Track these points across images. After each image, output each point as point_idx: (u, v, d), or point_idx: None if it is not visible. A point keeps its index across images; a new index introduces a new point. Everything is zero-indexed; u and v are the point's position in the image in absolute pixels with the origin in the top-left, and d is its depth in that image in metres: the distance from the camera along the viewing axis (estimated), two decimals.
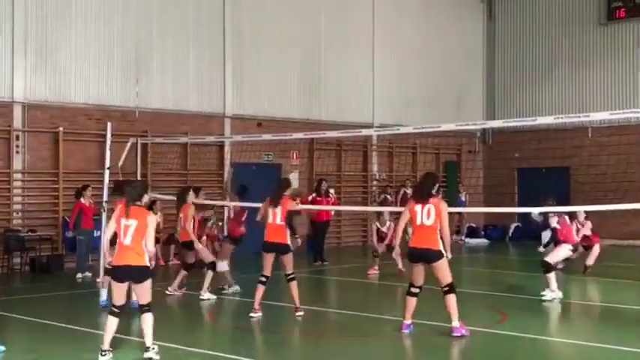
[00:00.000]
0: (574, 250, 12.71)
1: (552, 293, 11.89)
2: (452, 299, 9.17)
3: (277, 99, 20.73)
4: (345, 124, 20.53)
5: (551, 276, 11.96)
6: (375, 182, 23.11)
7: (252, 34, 20.29)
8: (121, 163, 15.41)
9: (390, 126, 19.89)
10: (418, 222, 9.18)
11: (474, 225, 24.42)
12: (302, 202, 19.36)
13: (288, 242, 10.55)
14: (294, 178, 21.12)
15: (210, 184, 18.96)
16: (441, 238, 9.17)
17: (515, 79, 25.59)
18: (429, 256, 9.15)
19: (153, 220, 8.07)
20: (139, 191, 8.24)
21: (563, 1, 24.58)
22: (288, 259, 10.56)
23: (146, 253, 8.00)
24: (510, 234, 24.40)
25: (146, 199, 8.42)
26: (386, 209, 20.66)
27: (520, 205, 23.04)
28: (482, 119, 24.85)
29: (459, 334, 9.12)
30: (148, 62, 18.43)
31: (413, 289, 9.36)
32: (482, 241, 23.71)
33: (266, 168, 20.28)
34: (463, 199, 23.46)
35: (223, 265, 12.84)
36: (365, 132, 18.61)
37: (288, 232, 10.58)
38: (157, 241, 16.71)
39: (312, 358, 8.79)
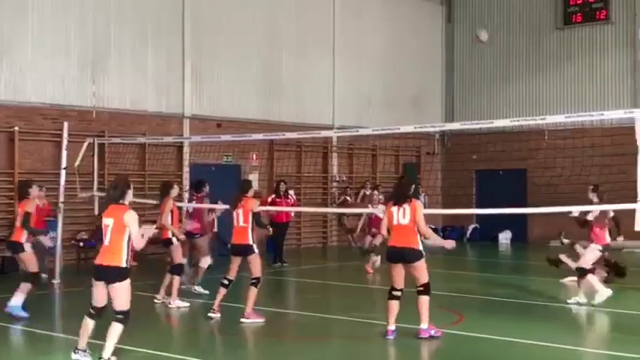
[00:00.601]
0: (603, 252, 12.02)
1: (599, 297, 11.44)
2: (425, 301, 9.14)
3: (237, 100, 20.64)
4: (305, 126, 20.54)
5: (590, 278, 11.55)
6: (334, 183, 23.15)
7: (212, 33, 20.17)
8: (77, 163, 15.27)
9: (350, 127, 19.94)
10: (395, 222, 9.23)
11: (433, 226, 24.45)
12: (262, 204, 19.35)
13: (251, 242, 10.38)
14: (253, 179, 21.03)
15: None
16: (424, 236, 9.26)
17: (474, 82, 25.85)
18: (408, 255, 9.13)
19: (131, 217, 7.63)
20: (120, 190, 7.83)
21: (521, 6, 24.90)
22: (253, 262, 10.39)
23: (124, 254, 7.58)
24: (468, 235, 24.66)
25: (130, 197, 7.94)
26: (346, 210, 20.80)
27: (478, 206, 23.25)
28: (441, 121, 25.06)
29: (427, 336, 9.11)
30: (106, 61, 18.22)
31: (394, 292, 9.26)
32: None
33: (226, 169, 20.19)
34: (422, 200, 23.57)
35: (207, 260, 12.70)
36: (324, 133, 18.64)
37: (251, 233, 10.40)
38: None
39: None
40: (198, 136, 17.83)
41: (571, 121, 13.38)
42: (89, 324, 7.77)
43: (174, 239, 11.75)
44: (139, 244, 7.70)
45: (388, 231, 9.48)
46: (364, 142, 23.34)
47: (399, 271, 9.23)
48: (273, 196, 18.17)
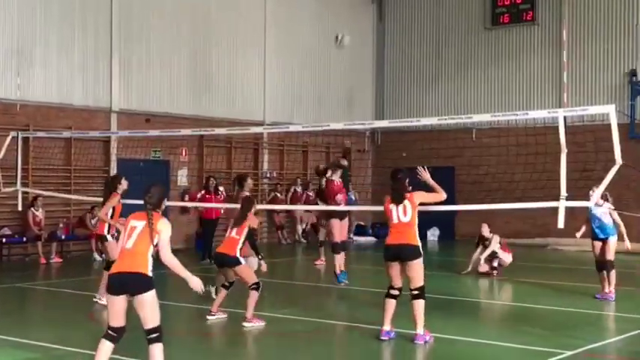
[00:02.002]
0: None
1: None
2: (420, 305, 8.79)
3: (167, 94, 20.37)
4: (235, 121, 20.42)
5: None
6: (265, 180, 23.08)
7: (141, 26, 19.85)
8: (0, 157, 14.83)
9: (281, 124, 19.90)
10: (395, 220, 8.95)
11: (362, 223, 24.76)
12: (191, 199, 19.18)
13: (235, 254, 9.92)
14: (182, 174, 20.87)
15: (95, 181, 18.47)
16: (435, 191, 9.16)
17: (404, 80, 26.12)
18: (405, 253, 8.85)
19: (167, 225, 6.72)
20: (157, 199, 6.83)
21: (450, 5, 25.26)
22: (240, 272, 10.01)
23: (149, 262, 6.62)
24: None
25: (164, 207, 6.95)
26: (278, 207, 20.76)
27: None
28: (371, 119, 25.24)
29: (422, 342, 8.81)
30: (31, 53, 17.73)
31: (392, 291, 8.96)
32: (370, 239, 24.06)
33: (154, 164, 19.92)
34: (353, 197, 23.68)
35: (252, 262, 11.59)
36: (254, 129, 18.53)
37: (240, 246, 9.99)
38: (37, 238, 15.85)
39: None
40: (126, 131, 17.53)
41: (497, 120, 13.63)
42: (108, 348, 6.64)
43: (108, 236, 11.35)
44: (168, 255, 6.69)
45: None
46: (295, 138, 23.34)
47: (395, 270, 8.91)
48: (203, 192, 18.01)
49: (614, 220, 12.12)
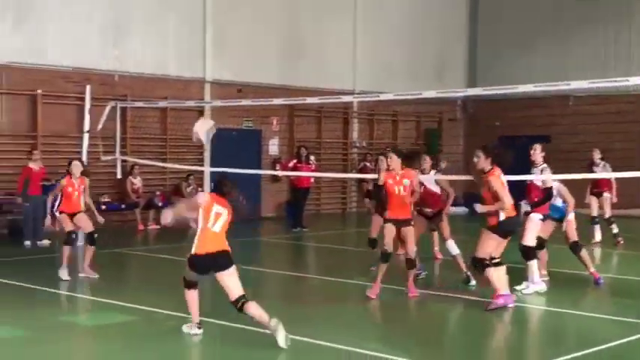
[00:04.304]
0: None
1: None
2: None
3: (257, 64, 20.54)
4: (325, 91, 20.44)
5: None
6: (354, 149, 23.09)
7: None
8: (100, 126, 15.32)
9: (371, 93, 19.82)
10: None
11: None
12: (283, 168, 19.40)
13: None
14: (273, 144, 21.10)
15: (190, 150, 18.87)
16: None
17: (498, 47, 25.50)
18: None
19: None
20: (230, 188, 7.64)
21: None
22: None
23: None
24: None
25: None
26: (367, 176, 20.74)
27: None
28: (463, 87, 24.82)
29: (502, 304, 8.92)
30: (128, 25, 18.18)
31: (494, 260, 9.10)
32: (462, 210, 23.77)
33: (246, 134, 20.20)
34: (443, 167, 23.46)
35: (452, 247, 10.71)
36: (345, 98, 18.53)
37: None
38: (135, 205, 16.47)
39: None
40: (219, 101, 17.80)
41: (595, 87, 13.19)
42: (195, 295, 7.68)
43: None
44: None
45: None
46: (385, 107, 23.20)
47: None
48: (295, 161, 18.19)
49: None
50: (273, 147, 21.09)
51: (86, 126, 15.28)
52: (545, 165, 10.06)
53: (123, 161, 16.39)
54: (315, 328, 8.00)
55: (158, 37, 18.70)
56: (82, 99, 15.91)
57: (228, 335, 7.77)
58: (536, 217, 10.00)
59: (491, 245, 8.94)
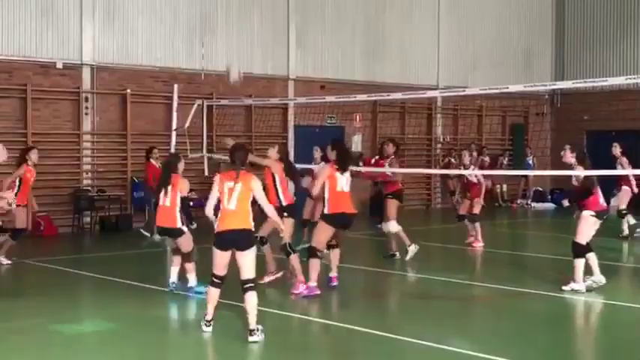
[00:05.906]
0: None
1: None
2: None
3: (340, 61, 20.62)
4: (409, 86, 20.31)
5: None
6: (439, 145, 22.89)
7: None
8: (187, 125, 15.63)
9: (455, 87, 19.60)
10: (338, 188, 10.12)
11: (541, 189, 24.02)
12: (365, 164, 19.32)
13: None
14: (357, 140, 21.08)
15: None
16: None
17: (586, 40, 24.85)
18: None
19: (258, 183, 7.59)
20: (242, 156, 7.69)
21: None
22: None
23: (251, 218, 7.50)
24: None
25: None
26: (452, 172, 20.54)
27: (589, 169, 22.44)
28: (550, 80, 24.26)
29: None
30: (213, 24, 18.50)
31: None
32: (549, 206, 23.30)
33: (329, 130, 20.27)
34: (530, 162, 23.07)
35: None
36: (429, 94, 18.29)
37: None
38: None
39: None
40: (303, 98, 17.92)
41: None
42: (216, 293, 7.63)
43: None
44: (266, 206, 7.72)
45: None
46: (470, 102, 22.92)
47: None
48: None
49: None
50: (357, 143, 21.08)
51: (174, 124, 15.63)
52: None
53: (209, 158, 16.66)
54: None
55: (242, 36, 18.97)
56: (170, 98, 16.28)
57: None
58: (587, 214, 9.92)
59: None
